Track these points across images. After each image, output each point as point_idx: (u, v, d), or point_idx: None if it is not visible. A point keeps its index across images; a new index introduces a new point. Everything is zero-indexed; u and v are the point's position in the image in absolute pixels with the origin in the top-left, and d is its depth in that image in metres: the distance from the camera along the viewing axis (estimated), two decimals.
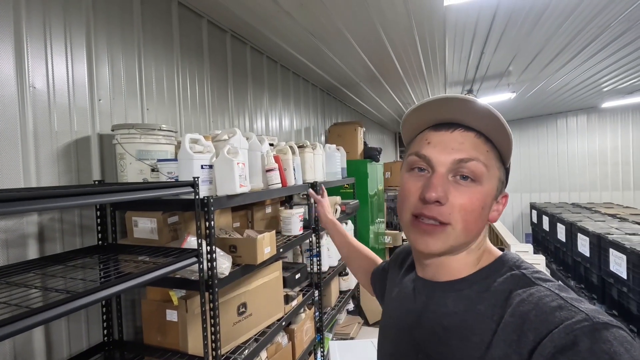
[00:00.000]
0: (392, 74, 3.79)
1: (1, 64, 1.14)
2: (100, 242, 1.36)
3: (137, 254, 1.17)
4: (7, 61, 1.16)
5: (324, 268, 2.42)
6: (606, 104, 6.96)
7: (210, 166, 1.34)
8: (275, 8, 2.07)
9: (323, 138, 4.03)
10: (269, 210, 2.05)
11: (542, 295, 0.45)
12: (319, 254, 2.22)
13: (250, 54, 2.58)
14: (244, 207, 1.87)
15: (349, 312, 3.26)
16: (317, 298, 2.21)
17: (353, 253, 1.00)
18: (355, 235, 3.23)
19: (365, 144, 3.92)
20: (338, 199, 2.60)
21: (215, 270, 1.24)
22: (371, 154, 3.81)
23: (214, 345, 1.24)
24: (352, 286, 3.01)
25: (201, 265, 1.18)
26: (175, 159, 1.33)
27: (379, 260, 0.95)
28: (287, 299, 1.84)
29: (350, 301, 3.27)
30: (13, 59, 1.17)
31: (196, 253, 1.16)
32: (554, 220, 5.63)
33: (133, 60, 1.62)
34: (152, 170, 1.38)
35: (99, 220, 1.36)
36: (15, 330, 0.71)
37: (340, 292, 2.88)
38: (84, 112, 1.39)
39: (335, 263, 2.63)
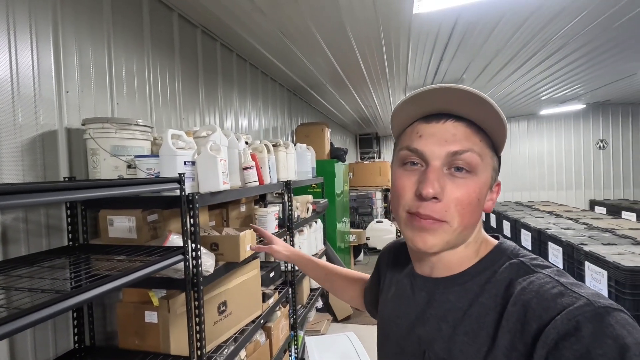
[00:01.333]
0: (357, 76, 3.90)
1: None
2: (70, 243, 1.28)
3: (116, 254, 1.12)
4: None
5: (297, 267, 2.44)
6: (544, 112, 7.69)
7: (193, 163, 1.32)
8: (249, 5, 2.06)
9: (290, 138, 4.05)
10: (243, 209, 2.03)
11: (542, 282, 0.45)
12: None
13: (221, 51, 2.54)
14: (220, 205, 1.84)
15: (317, 310, 3.31)
16: (290, 296, 2.23)
17: (330, 275, 0.94)
18: (324, 234, 3.29)
19: (331, 144, 3.99)
20: (310, 197, 2.64)
21: (200, 268, 1.22)
22: (337, 154, 3.89)
23: (199, 344, 1.22)
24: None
25: (187, 263, 1.16)
26: (155, 155, 1.29)
27: (362, 275, 0.91)
28: (264, 297, 1.84)
29: (320, 299, 3.31)
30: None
31: (182, 250, 1.14)
32: (500, 217, 6.10)
33: (102, 52, 1.53)
34: (129, 166, 1.32)
35: (69, 219, 1.28)
36: None
37: (311, 290, 2.92)
38: (50, 104, 1.30)
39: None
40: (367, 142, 9.63)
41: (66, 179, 1.28)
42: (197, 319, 1.21)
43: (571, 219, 5.05)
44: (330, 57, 3.09)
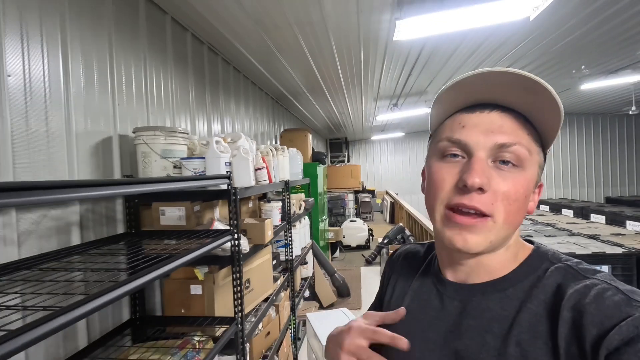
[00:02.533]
0: (335, 85, 4.29)
1: (38, 67, 1.29)
2: (129, 230, 1.53)
3: (176, 237, 1.41)
4: (55, 63, 1.30)
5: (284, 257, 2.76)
6: None
7: (230, 163, 1.62)
8: (242, 16, 2.35)
9: (274, 142, 4.36)
10: (250, 204, 2.34)
11: (601, 288, 0.42)
12: (291, 242, 2.56)
13: (207, 55, 2.81)
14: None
15: (305, 299, 3.64)
16: (290, 281, 2.55)
17: None
18: (310, 230, 3.63)
19: (312, 148, 4.36)
20: (302, 196, 2.98)
21: (240, 247, 1.53)
22: (319, 158, 4.26)
23: (240, 307, 1.52)
24: (310, 274, 3.40)
25: (233, 243, 1.47)
26: (200, 157, 1.58)
27: None
28: (274, 279, 2.16)
29: (307, 289, 3.65)
30: (45, 61, 1.33)
31: (230, 232, 1.44)
32: None
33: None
34: (174, 167, 1.60)
35: (127, 211, 1.54)
36: (114, 297, 0.89)
37: (302, 279, 3.25)
38: (107, 113, 1.55)
39: (299, 252, 2.99)
40: (338, 146, 10.11)
41: (130, 177, 1.54)
42: (239, 288, 1.52)
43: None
44: (312, 66, 3.44)
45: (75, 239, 1.35)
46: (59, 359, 1.24)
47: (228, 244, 1.47)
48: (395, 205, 8.19)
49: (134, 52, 1.76)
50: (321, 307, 3.57)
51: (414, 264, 0.63)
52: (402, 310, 0.55)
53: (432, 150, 0.54)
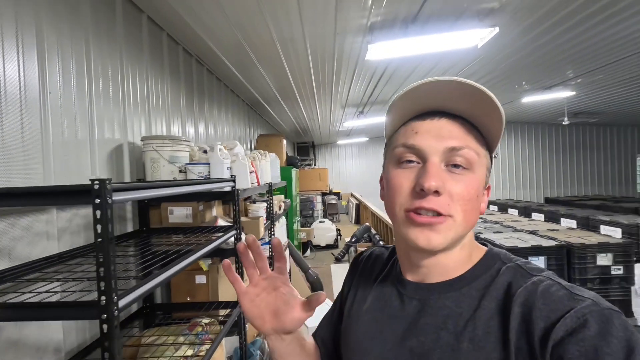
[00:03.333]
0: (308, 94, 4.58)
1: (70, 82, 1.46)
2: (140, 228, 1.72)
3: (190, 233, 1.62)
4: (87, 83, 1.48)
5: (268, 253, 3.00)
6: None
7: (230, 168, 1.85)
8: (230, 31, 2.58)
9: (250, 147, 4.56)
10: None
11: (546, 285, 0.45)
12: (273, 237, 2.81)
13: (195, 66, 3.01)
14: (225, 202, 2.35)
15: None
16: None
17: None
18: (287, 230, 3.88)
19: (286, 153, 4.61)
20: (282, 197, 3.23)
21: (241, 240, 1.77)
22: (292, 162, 4.53)
23: None
24: (288, 269, 3.65)
25: (237, 237, 1.71)
26: (204, 163, 1.80)
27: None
28: None
29: None
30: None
31: (235, 227, 1.68)
32: None
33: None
34: (180, 171, 1.81)
35: (138, 210, 1.72)
36: (179, 268, 1.16)
37: None
38: (121, 123, 1.73)
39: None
40: (305, 149, 10.40)
41: (145, 181, 1.72)
42: (241, 276, 1.75)
43: None
44: (289, 76, 3.70)
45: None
46: (86, 341, 1.42)
47: (232, 238, 1.71)
48: (360, 207, 8.62)
49: (139, 66, 1.94)
50: None
51: (378, 266, 0.66)
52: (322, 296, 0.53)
53: (389, 157, 0.56)
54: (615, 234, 5.04)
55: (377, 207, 6.80)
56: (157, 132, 2.10)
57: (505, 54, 3.54)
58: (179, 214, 1.77)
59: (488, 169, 0.53)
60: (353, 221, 9.12)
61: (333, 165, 11.17)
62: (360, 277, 0.67)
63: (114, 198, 0.71)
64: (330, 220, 7.40)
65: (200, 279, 1.78)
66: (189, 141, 1.88)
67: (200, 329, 1.63)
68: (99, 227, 0.68)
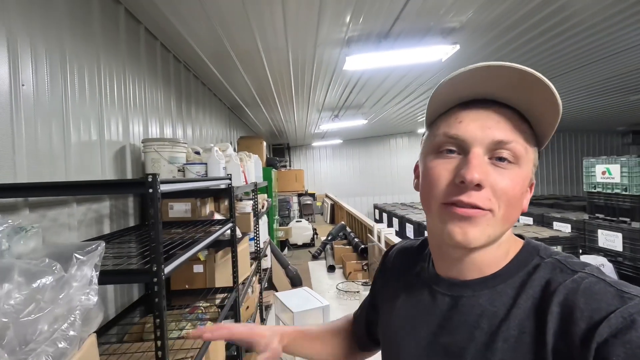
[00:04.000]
0: (287, 98, 4.80)
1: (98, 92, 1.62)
2: (141, 222, 1.88)
3: (192, 226, 1.81)
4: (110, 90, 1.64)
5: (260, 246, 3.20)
6: (420, 130, 9.80)
7: (225, 168, 2.05)
8: (219, 41, 2.78)
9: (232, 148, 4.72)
10: (226, 202, 2.74)
11: (589, 282, 0.42)
12: (258, 235, 3.01)
13: (183, 72, 3.17)
14: (216, 199, 2.53)
15: (264, 289, 4.06)
16: (259, 268, 2.99)
17: (325, 343, 0.78)
18: (269, 228, 4.08)
19: (266, 155, 4.81)
20: (265, 196, 3.43)
21: (236, 233, 1.97)
22: (272, 163, 4.73)
23: (235, 279, 1.96)
24: (269, 265, 3.85)
25: (233, 229, 1.91)
26: (201, 163, 1.99)
27: (340, 325, 0.80)
28: (250, 264, 2.59)
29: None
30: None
31: (232, 220, 1.88)
32: (390, 215, 7.75)
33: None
34: (179, 170, 1.99)
35: (139, 206, 1.89)
36: (196, 250, 1.36)
37: (263, 270, 3.68)
38: (125, 125, 1.89)
39: (262, 245, 3.43)
40: (280, 151, 10.57)
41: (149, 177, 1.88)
42: (236, 264, 1.95)
43: None
44: (270, 81, 3.89)
45: (106, 229, 1.69)
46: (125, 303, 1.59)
47: (228, 231, 1.91)
48: (335, 207, 8.92)
49: (138, 73, 2.10)
50: None
51: (408, 260, 0.64)
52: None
53: (428, 146, 0.52)
54: (566, 229, 5.62)
55: (352, 207, 7.11)
56: (152, 135, 2.25)
57: (467, 65, 3.93)
58: (179, 209, 1.95)
59: (535, 166, 0.50)
60: (328, 221, 9.40)
61: (308, 166, 11.41)
62: (391, 271, 0.67)
63: (161, 189, 0.91)
64: (306, 220, 7.64)
65: (198, 268, 1.96)
66: (185, 143, 2.06)
67: (200, 311, 1.82)
68: (151, 210, 0.88)
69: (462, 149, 0.47)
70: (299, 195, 8.69)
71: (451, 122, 0.49)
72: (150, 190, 0.89)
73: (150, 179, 0.89)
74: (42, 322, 0.55)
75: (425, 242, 0.63)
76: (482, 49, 3.30)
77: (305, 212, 9.31)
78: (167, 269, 0.98)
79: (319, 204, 10.67)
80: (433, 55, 2.94)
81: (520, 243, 0.52)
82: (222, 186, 1.95)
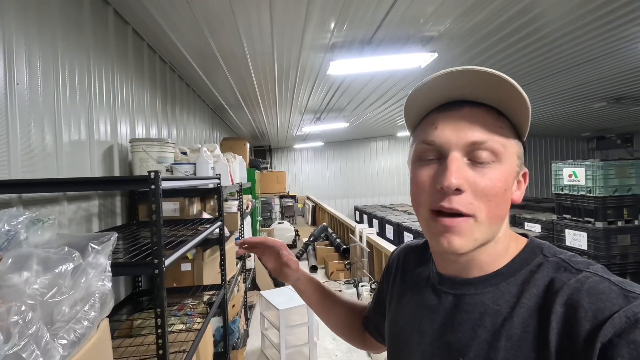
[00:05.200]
0: (270, 100, 4.85)
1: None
2: (129, 221, 1.90)
3: (182, 225, 1.84)
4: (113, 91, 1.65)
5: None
6: (400, 133, 10.03)
7: (213, 168, 2.09)
8: (207, 45, 2.82)
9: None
10: (212, 202, 2.77)
11: (593, 282, 0.42)
12: (243, 235, 3.05)
13: (169, 73, 3.18)
14: (203, 198, 2.56)
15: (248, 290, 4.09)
16: (244, 267, 3.02)
17: (335, 304, 0.83)
18: (252, 228, 4.11)
19: (249, 156, 4.83)
20: (250, 197, 3.46)
21: (224, 231, 2.01)
22: (255, 165, 4.76)
23: (223, 277, 2.00)
24: (253, 266, 3.89)
25: (222, 228, 1.95)
26: (189, 163, 2.02)
27: (359, 304, 0.85)
28: (236, 263, 2.63)
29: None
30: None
31: (221, 219, 1.92)
32: (371, 217, 7.90)
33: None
34: (167, 170, 2.02)
35: (127, 205, 1.90)
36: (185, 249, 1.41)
37: (247, 270, 3.71)
38: (114, 126, 1.90)
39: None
40: (261, 153, 10.56)
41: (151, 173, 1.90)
42: (224, 262, 1.99)
43: None
44: (254, 84, 3.94)
45: (95, 227, 1.70)
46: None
47: (217, 230, 1.95)
48: (316, 209, 9.00)
49: (125, 74, 2.12)
50: None
51: (413, 259, 0.65)
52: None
53: (412, 154, 0.54)
54: (536, 229, 5.92)
55: (333, 208, 7.21)
56: (138, 135, 2.27)
57: None
58: (167, 207, 1.98)
59: (519, 157, 0.50)
60: (309, 223, 9.47)
61: (289, 168, 11.45)
62: (397, 271, 0.68)
63: (166, 185, 0.96)
64: (288, 221, 7.68)
65: (186, 267, 1.99)
66: (174, 143, 2.09)
67: (188, 309, 1.85)
68: (153, 206, 0.93)
69: (441, 154, 0.49)
70: (281, 197, 8.72)
71: (428, 128, 0.50)
72: (153, 187, 0.94)
73: (152, 176, 0.94)
74: (65, 304, 0.60)
75: (427, 243, 0.62)
76: (458, 57, 3.47)
77: (287, 213, 9.34)
78: (167, 261, 1.03)
79: (300, 206, 10.73)
80: (412, 62, 3.07)
81: (523, 241, 0.53)
82: (211, 185, 1.99)
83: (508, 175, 0.48)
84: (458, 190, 0.45)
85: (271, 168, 11.08)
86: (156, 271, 0.95)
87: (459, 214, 0.46)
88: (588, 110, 6.21)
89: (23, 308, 0.46)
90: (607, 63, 3.67)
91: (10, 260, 0.58)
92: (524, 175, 0.52)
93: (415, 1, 2.29)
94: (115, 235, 0.74)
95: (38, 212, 0.75)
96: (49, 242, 0.71)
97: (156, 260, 0.95)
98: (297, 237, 7.21)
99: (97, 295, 0.63)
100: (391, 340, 0.62)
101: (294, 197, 10.38)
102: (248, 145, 4.83)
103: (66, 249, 0.65)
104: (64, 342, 0.52)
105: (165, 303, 0.95)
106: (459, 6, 2.39)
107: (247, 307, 3.25)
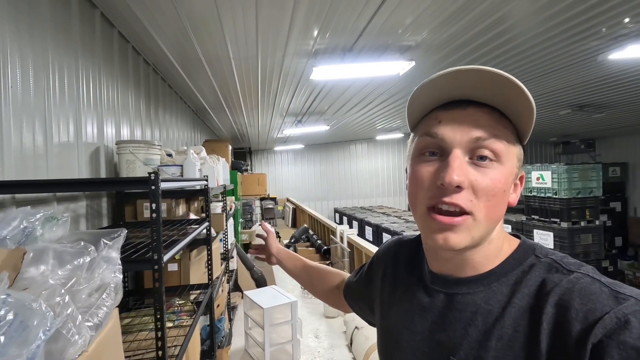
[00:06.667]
0: (252, 102, 4.88)
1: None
2: (115, 222, 1.91)
3: (170, 225, 1.88)
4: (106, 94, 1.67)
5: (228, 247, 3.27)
6: (379, 137, 10.26)
7: (200, 170, 2.14)
8: (192, 48, 2.86)
9: None
10: (196, 204, 2.80)
11: (584, 283, 0.43)
12: (227, 236, 3.08)
13: (152, 75, 3.19)
14: (188, 200, 2.58)
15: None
16: (227, 268, 3.06)
17: (315, 274, 0.92)
18: (234, 229, 4.13)
19: (231, 158, 4.85)
20: (233, 198, 3.50)
21: (211, 232, 2.06)
22: (237, 167, 4.79)
23: (210, 276, 2.04)
24: (235, 267, 3.91)
25: (208, 228, 1.99)
26: (176, 165, 2.05)
27: (342, 273, 0.90)
28: (220, 264, 2.66)
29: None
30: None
31: (208, 220, 1.97)
32: (350, 219, 8.04)
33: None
34: (154, 172, 2.04)
35: (111, 207, 1.92)
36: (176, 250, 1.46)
37: (230, 271, 3.73)
38: (100, 127, 1.92)
39: (229, 247, 3.50)
40: (242, 155, 10.53)
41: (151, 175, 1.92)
42: (210, 262, 2.04)
43: (397, 216, 7.31)
44: (237, 87, 3.98)
45: (83, 228, 1.72)
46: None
47: (204, 230, 1.99)
48: (297, 211, 9.06)
49: (111, 76, 2.13)
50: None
51: (406, 255, 0.65)
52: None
53: (412, 149, 0.53)
54: (507, 229, 6.19)
55: (314, 210, 7.29)
56: (123, 136, 2.28)
57: (421, 80, 4.29)
58: None
59: (519, 160, 0.51)
60: (290, 225, 9.51)
61: (269, 170, 11.45)
62: (387, 264, 0.68)
63: (161, 186, 1.02)
64: (269, 223, 7.71)
65: (172, 267, 2.02)
66: (160, 145, 2.12)
67: (176, 307, 1.89)
68: (154, 205, 0.99)
69: (443, 150, 0.48)
70: (261, 199, 8.73)
71: (431, 122, 0.50)
72: (153, 187, 1.00)
73: (153, 177, 1.00)
74: (84, 293, 0.66)
75: (420, 238, 0.63)
76: (435, 65, 3.64)
77: (267, 215, 9.35)
78: (165, 258, 1.09)
79: (280, 208, 10.76)
80: (391, 69, 3.21)
81: (516, 242, 0.53)
82: (198, 187, 2.03)
83: (508, 176, 0.48)
84: (459, 188, 0.46)
85: (251, 170, 11.05)
86: (156, 267, 1.00)
87: (457, 212, 0.46)
88: (554, 117, 6.59)
89: (62, 291, 0.52)
90: (571, 73, 3.95)
91: (32, 254, 0.63)
92: (520, 178, 0.52)
93: (395, 12, 2.42)
94: (125, 231, 0.79)
95: (52, 211, 0.79)
96: (62, 238, 0.76)
97: (156, 257, 1.01)
98: (278, 239, 7.24)
99: (112, 285, 0.69)
100: (382, 335, 0.63)
101: (274, 199, 10.40)
102: (230, 147, 4.85)
103: (82, 243, 0.70)
104: (90, 324, 0.58)
105: (164, 298, 1.01)
106: (436, 18, 2.54)
107: (231, 308, 3.28)
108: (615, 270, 6.35)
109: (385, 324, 0.62)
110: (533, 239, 5.39)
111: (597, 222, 5.04)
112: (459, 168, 0.46)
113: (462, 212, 0.46)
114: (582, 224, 4.97)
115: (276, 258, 0.98)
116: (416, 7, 2.35)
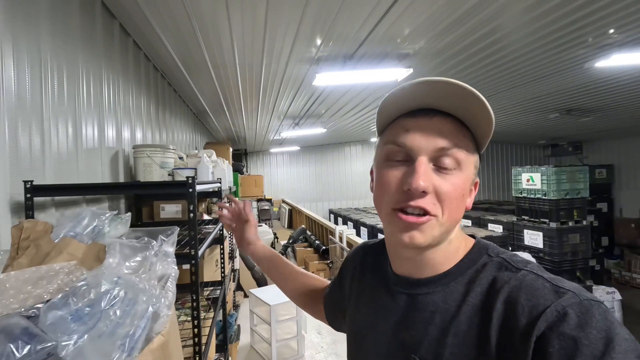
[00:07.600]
0: (253, 104, 4.99)
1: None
2: (136, 222, 2.01)
3: (186, 225, 1.98)
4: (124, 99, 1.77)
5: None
6: (373, 139, 10.43)
7: (213, 172, 2.24)
8: (201, 56, 2.97)
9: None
10: (203, 205, 2.90)
11: (529, 279, 0.46)
12: (231, 235, 3.18)
13: (160, 80, 3.28)
14: (199, 200, 2.69)
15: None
16: (234, 267, 3.16)
17: (299, 283, 0.90)
18: None
19: (232, 160, 4.95)
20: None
21: (224, 232, 2.17)
22: (238, 168, 4.88)
23: (223, 273, 2.15)
24: (237, 267, 4.01)
25: (221, 228, 2.10)
26: (190, 168, 2.16)
27: (323, 282, 0.89)
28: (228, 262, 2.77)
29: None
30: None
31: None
32: (346, 219, 8.18)
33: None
34: (169, 174, 2.15)
35: (130, 208, 2.02)
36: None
37: (234, 270, 3.83)
38: (119, 133, 2.02)
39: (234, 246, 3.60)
40: (238, 157, 10.59)
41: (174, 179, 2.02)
42: (223, 260, 2.15)
43: None
44: (239, 89, 4.08)
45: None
46: None
47: (218, 230, 2.10)
48: (293, 212, 9.16)
49: (127, 83, 2.23)
50: (246, 295, 4.19)
51: (370, 259, 0.68)
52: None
53: (379, 153, 0.56)
54: (499, 229, 6.40)
55: (311, 211, 7.40)
56: (137, 140, 2.38)
57: None
58: (170, 210, 2.10)
59: (476, 167, 0.54)
60: (286, 226, 9.61)
61: (265, 172, 11.53)
62: (355, 269, 0.70)
63: (197, 188, 1.14)
64: (265, 224, 7.80)
65: (186, 265, 2.12)
66: (174, 149, 2.23)
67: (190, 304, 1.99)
68: (190, 206, 1.10)
69: (409, 157, 0.51)
70: (258, 200, 8.82)
71: (399, 130, 0.53)
72: (190, 190, 1.11)
73: (190, 181, 1.11)
74: (153, 280, 0.77)
75: (384, 242, 0.65)
76: (431, 72, 3.80)
77: (263, 217, 9.44)
78: (200, 251, 1.21)
79: (275, 209, 10.84)
80: (389, 76, 3.35)
81: (471, 242, 0.56)
82: (210, 189, 2.14)
83: (466, 182, 0.52)
84: (424, 193, 0.49)
85: (247, 172, 11.12)
86: (193, 261, 1.11)
87: (422, 213, 0.49)
88: (543, 120, 6.82)
89: (154, 275, 0.63)
90: (559, 79, 4.14)
91: (108, 248, 0.75)
92: (475, 184, 0.55)
93: (395, 23, 2.56)
94: (177, 229, 0.91)
95: (117, 210, 0.90)
96: (124, 235, 0.88)
97: (192, 252, 1.12)
98: (276, 240, 7.34)
99: (172, 275, 0.81)
100: (350, 338, 0.65)
101: (269, 200, 10.50)
102: (231, 149, 4.95)
103: (145, 239, 0.82)
104: (167, 303, 0.70)
105: (199, 290, 1.12)
106: (432, 29, 2.69)
107: (234, 306, 3.38)
108: (602, 269, 6.57)
109: (353, 328, 0.65)
110: (523, 239, 5.60)
111: (584, 222, 5.23)
112: (425, 174, 0.49)
113: (426, 214, 0.49)
114: (570, 224, 5.16)
115: (253, 247, 0.96)
116: (415, 18, 2.49)
